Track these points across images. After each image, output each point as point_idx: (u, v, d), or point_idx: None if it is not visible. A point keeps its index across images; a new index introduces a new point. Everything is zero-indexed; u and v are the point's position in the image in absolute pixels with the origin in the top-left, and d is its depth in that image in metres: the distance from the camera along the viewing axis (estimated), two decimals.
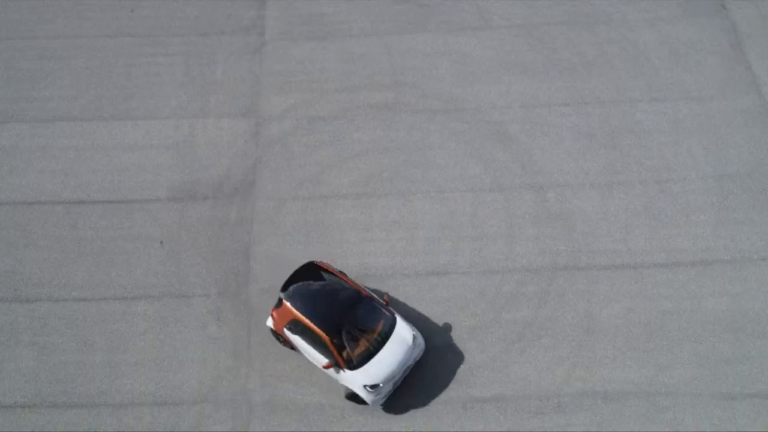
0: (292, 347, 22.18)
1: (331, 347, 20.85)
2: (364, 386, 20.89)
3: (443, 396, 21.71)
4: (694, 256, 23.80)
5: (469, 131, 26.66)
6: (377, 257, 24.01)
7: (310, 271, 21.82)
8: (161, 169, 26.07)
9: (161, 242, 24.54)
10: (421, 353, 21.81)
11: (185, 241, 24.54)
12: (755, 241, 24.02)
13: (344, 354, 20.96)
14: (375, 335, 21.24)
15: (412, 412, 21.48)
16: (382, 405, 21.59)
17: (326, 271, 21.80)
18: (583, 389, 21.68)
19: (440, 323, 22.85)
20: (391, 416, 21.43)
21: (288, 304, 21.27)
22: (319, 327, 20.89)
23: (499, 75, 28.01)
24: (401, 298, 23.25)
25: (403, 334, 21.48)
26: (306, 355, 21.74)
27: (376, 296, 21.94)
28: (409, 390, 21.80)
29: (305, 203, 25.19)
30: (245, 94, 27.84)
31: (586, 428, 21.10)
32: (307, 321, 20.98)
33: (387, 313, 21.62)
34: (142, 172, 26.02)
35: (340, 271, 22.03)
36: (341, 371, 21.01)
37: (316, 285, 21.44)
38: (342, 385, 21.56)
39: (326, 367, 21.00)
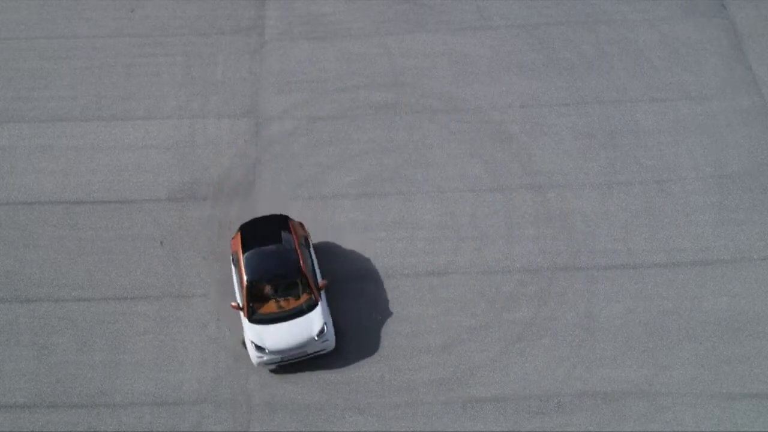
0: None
1: (244, 292, 21.81)
2: (251, 342, 21.61)
3: (443, 396, 21.71)
4: (694, 256, 23.80)
5: (469, 131, 26.66)
6: (377, 257, 24.01)
7: (279, 222, 22.69)
8: (161, 169, 26.06)
9: (161, 242, 24.54)
10: (326, 350, 22.14)
11: (185, 241, 24.54)
12: (755, 241, 24.02)
13: (251, 305, 21.76)
14: (288, 307, 21.90)
15: (412, 412, 21.48)
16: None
17: (290, 231, 22.54)
18: (583, 389, 21.68)
19: (440, 323, 22.84)
20: (391, 416, 21.43)
21: (239, 237, 22.54)
22: (245, 270, 21.87)
23: (499, 75, 28.00)
24: (401, 298, 23.25)
25: (313, 322, 21.87)
26: (235, 288, 22.72)
27: (315, 277, 22.40)
28: (410, 390, 21.81)
29: (305, 203, 25.19)
30: (245, 94, 27.84)
31: (586, 428, 21.10)
32: (241, 260, 22.04)
33: (311, 296, 22.05)
34: (142, 172, 26.02)
35: (306, 239, 23.04)
36: (243, 318, 21.93)
37: (269, 235, 22.35)
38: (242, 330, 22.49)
39: (233, 307, 21.86)
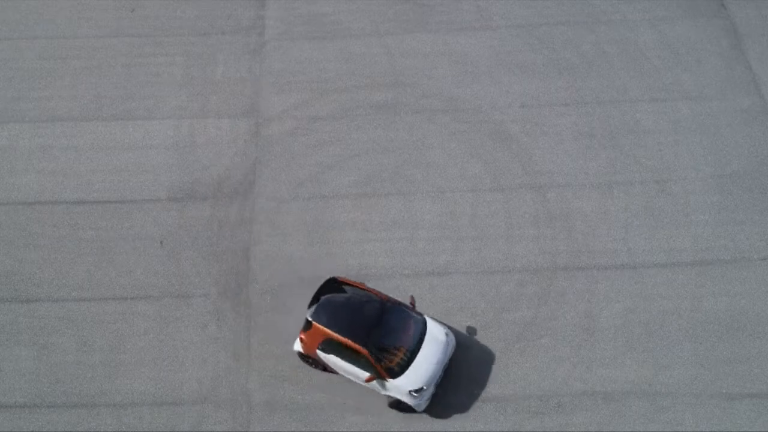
0: (325, 368, 21.89)
1: (371, 359, 20.57)
2: (410, 392, 20.72)
3: (443, 396, 21.70)
4: (694, 256, 23.80)
5: (469, 131, 26.66)
6: (377, 257, 24.01)
7: (332, 287, 21.57)
8: (161, 169, 26.07)
9: (161, 242, 24.54)
10: (454, 349, 21.77)
11: (185, 241, 24.54)
12: (755, 241, 24.02)
13: (383, 364, 20.75)
14: (410, 340, 21.09)
15: (412, 412, 21.47)
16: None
17: (347, 284, 21.60)
18: (583, 389, 21.68)
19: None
20: (391, 416, 21.42)
21: (318, 324, 20.88)
22: (354, 342, 20.63)
23: (499, 75, 28.00)
24: (401, 299, 23.23)
25: (435, 334, 21.45)
26: (343, 373, 21.45)
27: (401, 301, 21.87)
28: None
29: (305, 203, 25.20)
30: (245, 94, 27.85)
31: (586, 428, 21.10)
32: (341, 338, 20.64)
33: (416, 316, 21.55)
34: (142, 172, 26.02)
35: (361, 283, 21.87)
36: (384, 382, 20.83)
37: (341, 300, 21.15)
38: (385, 395, 21.27)
39: (368, 381, 20.68)
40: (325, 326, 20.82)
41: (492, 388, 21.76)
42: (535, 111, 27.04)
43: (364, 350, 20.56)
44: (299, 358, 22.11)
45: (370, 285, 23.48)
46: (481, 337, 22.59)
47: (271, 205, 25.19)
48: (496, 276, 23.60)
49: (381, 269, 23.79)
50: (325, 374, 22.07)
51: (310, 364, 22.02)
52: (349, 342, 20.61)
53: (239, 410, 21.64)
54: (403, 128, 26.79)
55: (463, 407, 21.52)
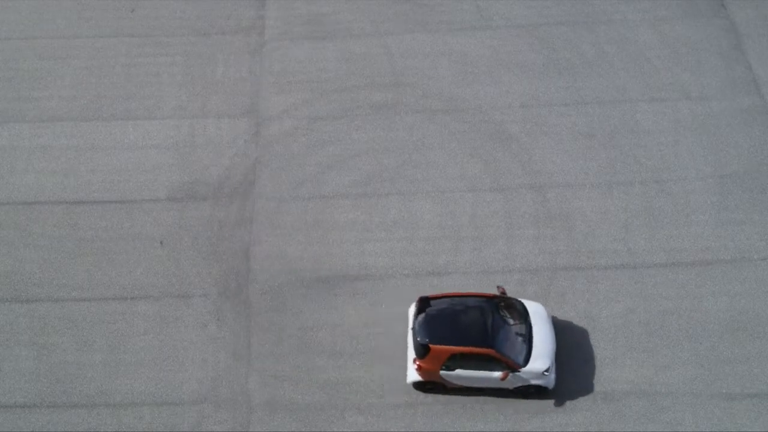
0: (445, 387, 21.58)
1: (500, 357, 20.62)
2: (543, 373, 20.94)
3: (443, 396, 21.70)
4: (694, 256, 23.80)
5: (469, 131, 26.66)
6: (377, 257, 24.01)
7: (424, 307, 21.40)
8: (161, 169, 26.07)
9: (161, 242, 24.54)
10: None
11: (185, 241, 24.54)
12: (755, 241, 24.02)
13: (511, 357, 20.85)
14: (520, 325, 21.30)
15: (412, 412, 21.48)
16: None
17: (437, 298, 21.52)
18: (583, 389, 21.67)
19: None
20: (391, 416, 21.43)
21: (437, 345, 20.64)
22: (479, 346, 20.60)
23: (499, 75, 28.01)
24: (401, 298, 23.24)
25: (537, 311, 21.76)
26: (470, 383, 21.24)
27: (493, 293, 21.93)
28: (410, 390, 21.80)
29: (305, 203, 25.19)
30: (245, 94, 27.85)
31: (586, 428, 21.10)
32: (465, 349, 20.57)
33: (514, 302, 21.68)
34: (142, 172, 26.02)
35: (445, 292, 21.90)
36: (517, 373, 20.86)
37: (445, 315, 21.07)
38: (511, 382, 21.16)
39: (504, 378, 20.69)
40: (446, 344, 20.64)
41: (492, 388, 21.74)
42: (535, 111, 27.03)
43: (491, 351, 20.56)
44: (414, 389, 21.70)
45: (370, 285, 23.48)
46: None
47: (271, 205, 25.19)
48: (496, 276, 23.60)
49: (381, 269, 23.78)
50: (325, 374, 22.06)
51: (427, 391, 21.66)
52: (475, 349, 20.55)
53: (239, 410, 21.63)
54: (403, 128, 26.79)
55: (463, 407, 21.51)
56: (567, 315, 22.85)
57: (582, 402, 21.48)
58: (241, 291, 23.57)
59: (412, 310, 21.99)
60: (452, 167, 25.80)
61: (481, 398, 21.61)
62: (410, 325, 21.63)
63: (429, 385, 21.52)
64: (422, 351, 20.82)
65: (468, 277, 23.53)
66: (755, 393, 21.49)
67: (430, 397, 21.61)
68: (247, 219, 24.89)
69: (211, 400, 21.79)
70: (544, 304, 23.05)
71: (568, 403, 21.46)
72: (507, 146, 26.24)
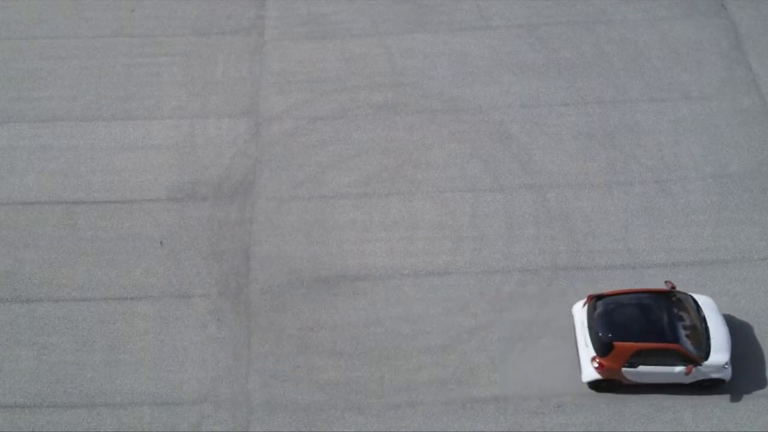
0: (621, 385, 21.32)
1: (684, 351, 20.50)
2: (723, 366, 20.83)
3: (443, 396, 21.70)
4: (694, 256, 23.79)
5: (469, 131, 26.66)
6: (377, 257, 24.01)
7: (600, 304, 21.29)
8: (161, 170, 26.06)
9: (161, 242, 24.54)
10: None
11: (185, 241, 24.54)
12: (755, 241, 24.02)
13: (694, 351, 20.74)
14: (695, 318, 21.19)
15: (412, 412, 21.47)
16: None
17: (608, 295, 21.39)
18: (583, 389, 21.66)
19: (440, 323, 22.83)
20: (391, 416, 21.42)
21: (621, 342, 20.49)
22: (664, 341, 20.50)
23: (499, 75, 28.00)
24: (401, 298, 23.24)
25: (707, 303, 21.72)
26: (652, 380, 21.05)
27: (663, 288, 21.90)
28: (409, 390, 21.79)
29: (305, 203, 25.19)
30: (245, 94, 27.85)
31: (586, 428, 21.09)
32: (650, 345, 20.42)
33: (684, 295, 21.59)
34: (142, 172, 26.02)
35: (613, 291, 21.72)
36: (700, 367, 20.72)
37: (624, 312, 20.89)
38: (694, 375, 20.97)
39: (689, 372, 20.53)
40: (630, 340, 20.50)
41: (492, 388, 21.74)
42: (535, 111, 27.03)
43: (676, 346, 20.44)
44: (589, 388, 21.50)
45: (371, 285, 23.48)
46: (482, 337, 22.57)
47: (271, 205, 25.19)
48: (496, 276, 23.60)
49: (381, 269, 23.78)
50: (325, 374, 22.06)
51: (602, 390, 21.44)
52: (661, 345, 20.43)
53: (239, 410, 21.63)
54: (403, 128, 26.79)
55: (463, 407, 21.51)
56: (567, 315, 22.85)
57: (582, 402, 21.47)
58: (241, 291, 23.57)
59: (578, 308, 21.87)
60: (452, 167, 25.80)
61: (481, 398, 21.61)
62: (581, 323, 21.46)
63: (605, 384, 21.28)
64: (605, 349, 20.65)
65: (468, 277, 23.53)
66: (755, 393, 21.48)
67: (431, 397, 21.61)
68: (247, 219, 24.89)
69: (211, 400, 21.79)
70: (545, 303, 23.05)
71: (568, 403, 21.45)
72: (507, 146, 26.24)
